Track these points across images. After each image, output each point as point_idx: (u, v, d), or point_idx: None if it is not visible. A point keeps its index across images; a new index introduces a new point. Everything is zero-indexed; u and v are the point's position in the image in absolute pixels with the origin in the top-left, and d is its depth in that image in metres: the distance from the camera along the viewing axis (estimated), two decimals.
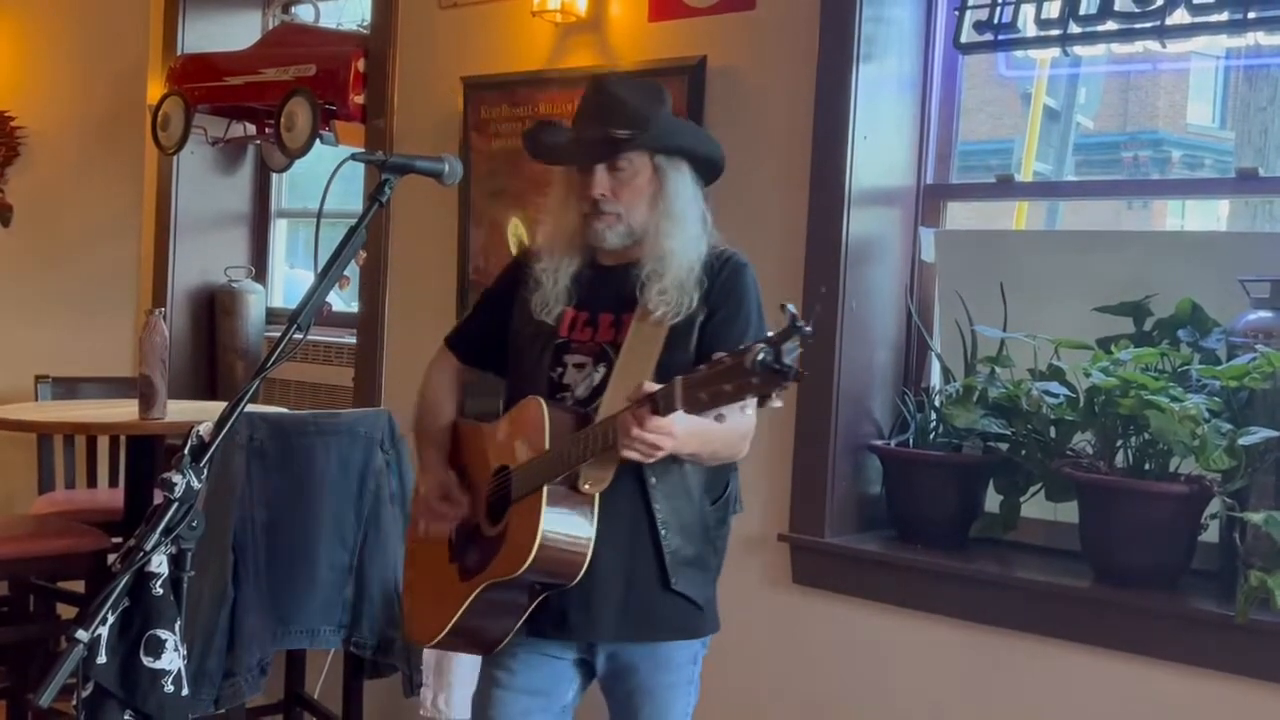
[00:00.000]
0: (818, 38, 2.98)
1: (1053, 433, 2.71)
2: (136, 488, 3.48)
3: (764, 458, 3.06)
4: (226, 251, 4.79)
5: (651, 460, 1.86)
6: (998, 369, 2.81)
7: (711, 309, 2.04)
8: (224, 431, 1.70)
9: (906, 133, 3.08)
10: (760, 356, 1.57)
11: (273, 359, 1.73)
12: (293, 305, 5.01)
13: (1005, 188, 3.03)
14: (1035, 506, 2.80)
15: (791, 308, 1.57)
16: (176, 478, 1.63)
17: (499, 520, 2.05)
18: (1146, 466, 2.54)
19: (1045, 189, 3.18)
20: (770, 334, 1.59)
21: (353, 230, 1.83)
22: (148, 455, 3.50)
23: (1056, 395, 2.67)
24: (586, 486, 1.93)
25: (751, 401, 1.62)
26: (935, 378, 3.03)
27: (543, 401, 1.99)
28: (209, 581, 2.82)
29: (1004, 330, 2.82)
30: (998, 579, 2.71)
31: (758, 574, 3.08)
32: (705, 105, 3.17)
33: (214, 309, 4.71)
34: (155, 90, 4.62)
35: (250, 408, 1.78)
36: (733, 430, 1.91)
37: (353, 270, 3.90)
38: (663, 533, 2.02)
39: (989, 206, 3.23)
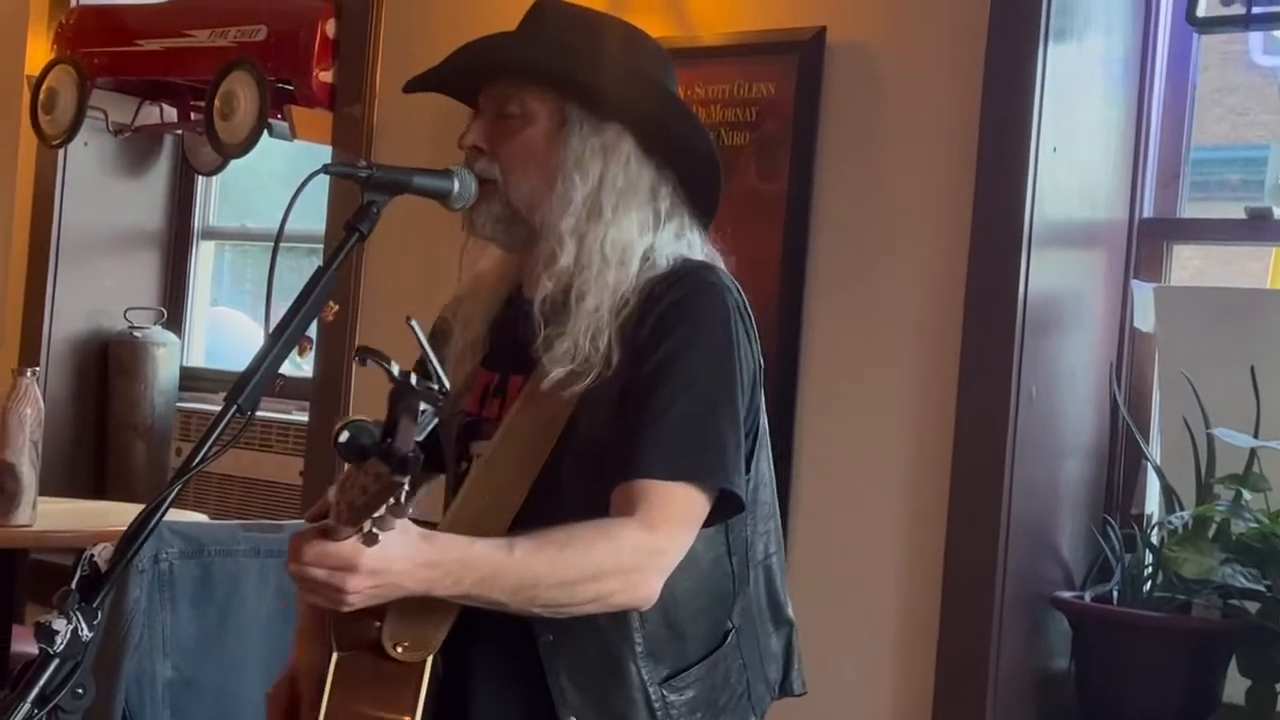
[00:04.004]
0: (988, 4, 2.98)
1: None
2: None
3: (895, 613, 3.02)
4: (128, 286, 4.85)
5: (346, 609, 1.71)
6: (1246, 493, 2.78)
7: (643, 353, 1.84)
8: (128, 557, 1.70)
9: (1115, 143, 3.07)
10: (344, 437, 1.45)
11: (204, 453, 1.72)
12: (216, 365, 5.13)
13: (1259, 227, 3.01)
14: None
15: (393, 365, 1.48)
16: (59, 624, 1.62)
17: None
18: None
19: None
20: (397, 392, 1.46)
21: (320, 274, 1.82)
22: (7, 577, 3.52)
23: None
24: (399, 651, 1.79)
25: (388, 507, 1.49)
26: (1153, 503, 3.00)
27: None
28: None
29: (1255, 436, 2.79)
30: None
31: None
32: (823, 97, 3.18)
33: (107, 367, 4.77)
34: (37, 55, 4.71)
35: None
36: (567, 563, 1.75)
37: (314, 327, 3.93)
38: None
39: (1232, 251, 3.21)
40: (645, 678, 1.88)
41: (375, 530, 1.53)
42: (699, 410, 1.82)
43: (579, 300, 1.86)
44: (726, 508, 1.86)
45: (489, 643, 1.84)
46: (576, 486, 1.81)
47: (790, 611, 2.05)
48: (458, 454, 1.99)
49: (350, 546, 1.62)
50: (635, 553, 1.78)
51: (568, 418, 1.86)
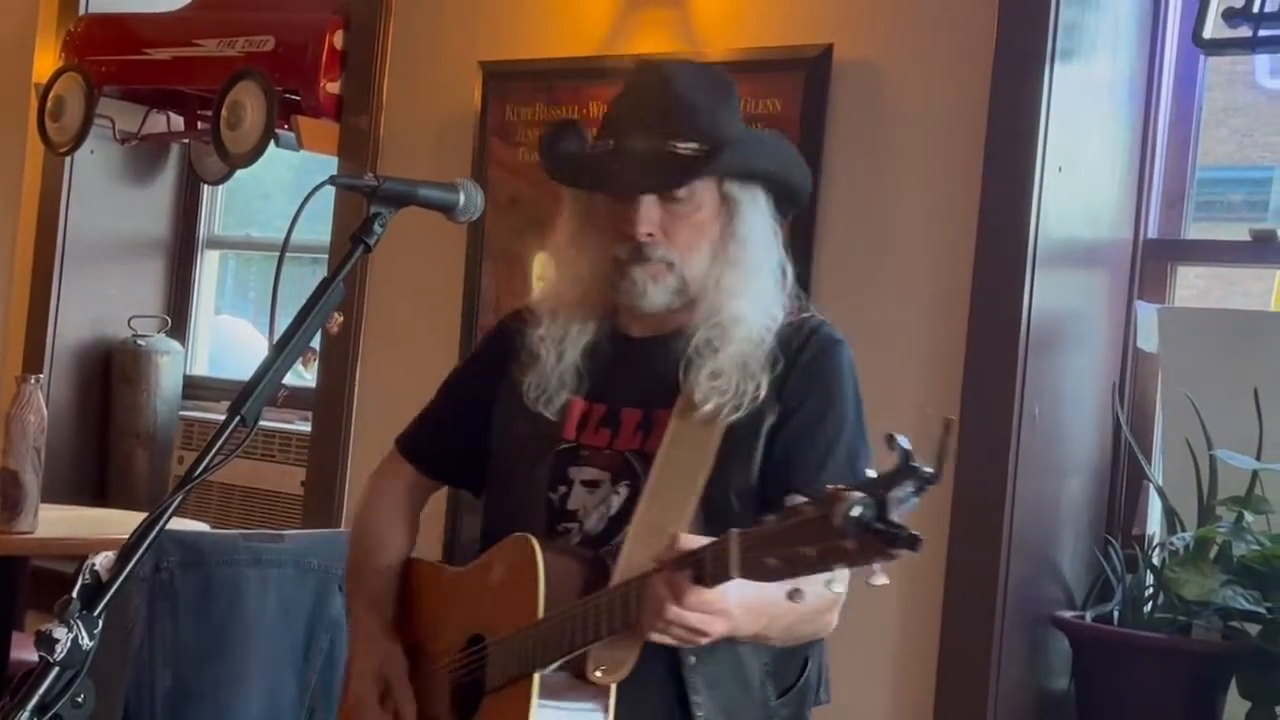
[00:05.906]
0: (994, 24, 3.00)
1: None
2: None
3: (894, 631, 3.02)
4: (133, 294, 4.86)
5: (692, 646, 1.86)
6: (1248, 515, 2.77)
7: (786, 406, 2.02)
8: (130, 567, 1.70)
9: (1120, 163, 3.07)
10: (855, 511, 1.51)
11: (206, 463, 1.73)
12: (219, 374, 5.13)
13: (1263, 249, 3.01)
14: None
15: (903, 440, 1.50)
16: (60, 632, 1.62)
17: (469, 716, 2.04)
18: None
19: None
20: (873, 474, 1.54)
21: (325, 285, 1.83)
22: (8, 584, 3.52)
23: None
24: (599, 674, 1.89)
25: (843, 573, 1.59)
26: (1154, 523, 2.99)
27: (536, 544, 1.95)
28: None
29: (1258, 458, 2.79)
30: None
31: None
32: (828, 114, 3.19)
33: (110, 375, 4.77)
34: (45, 63, 4.72)
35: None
36: (818, 599, 1.82)
37: (318, 338, 3.93)
38: None
39: (1235, 271, 3.21)
40: (768, 694, 2.05)
41: (803, 589, 1.62)
42: (853, 451, 2.02)
43: (732, 341, 2.01)
44: None
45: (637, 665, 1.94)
46: (734, 514, 1.93)
47: None
48: (551, 478, 2.07)
49: (720, 593, 1.75)
50: (839, 583, 1.90)
51: (718, 447, 1.99)
